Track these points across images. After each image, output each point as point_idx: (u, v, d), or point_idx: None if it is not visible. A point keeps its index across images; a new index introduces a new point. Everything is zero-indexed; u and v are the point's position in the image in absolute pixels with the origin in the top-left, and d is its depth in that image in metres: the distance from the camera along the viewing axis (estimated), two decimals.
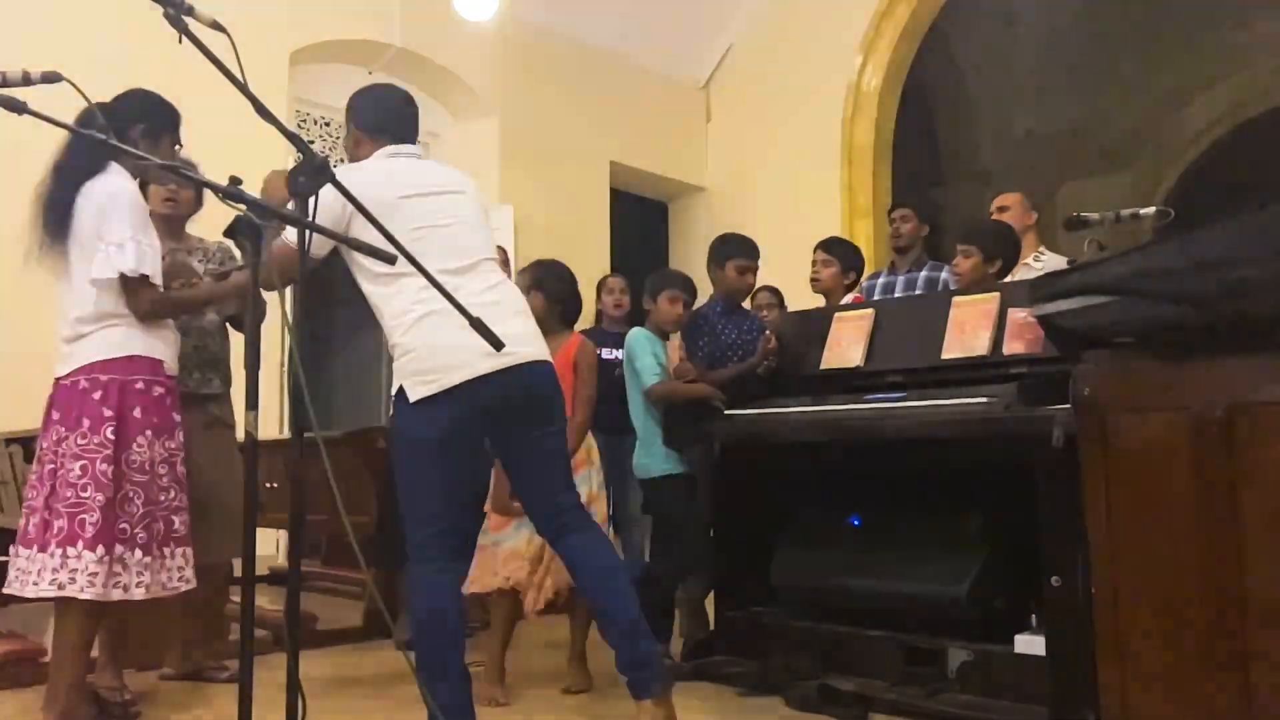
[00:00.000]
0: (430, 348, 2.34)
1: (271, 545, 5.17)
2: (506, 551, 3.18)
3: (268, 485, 4.37)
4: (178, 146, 2.98)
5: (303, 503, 2.12)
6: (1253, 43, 8.24)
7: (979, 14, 7.95)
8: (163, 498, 2.76)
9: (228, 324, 3.42)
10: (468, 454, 2.47)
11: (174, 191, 3.29)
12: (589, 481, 3.20)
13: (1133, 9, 7.94)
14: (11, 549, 2.73)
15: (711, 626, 3.63)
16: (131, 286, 2.72)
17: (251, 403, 1.86)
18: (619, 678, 2.51)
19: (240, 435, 1.99)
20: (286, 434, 2.41)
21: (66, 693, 2.65)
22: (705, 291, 3.99)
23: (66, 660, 2.67)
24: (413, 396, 2.35)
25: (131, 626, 3.09)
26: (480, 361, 2.30)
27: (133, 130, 2.80)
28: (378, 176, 2.48)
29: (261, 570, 4.04)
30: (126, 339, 2.74)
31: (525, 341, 2.44)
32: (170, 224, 3.34)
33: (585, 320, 4.54)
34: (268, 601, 4.02)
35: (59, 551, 2.61)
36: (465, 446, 2.44)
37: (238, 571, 2.70)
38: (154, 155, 2.80)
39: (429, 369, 2.34)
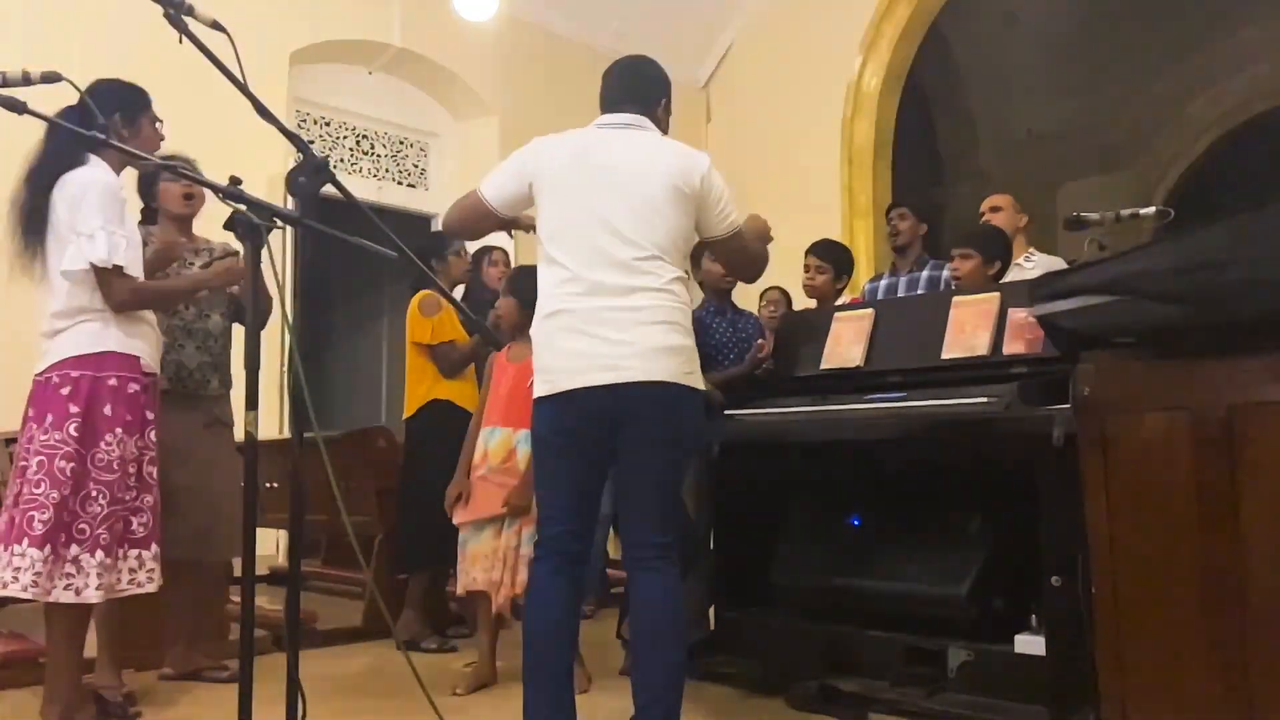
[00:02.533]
0: (550, 348, 2.33)
1: (271, 545, 5.17)
2: (471, 553, 3.21)
3: (268, 485, 4.37)
4: (158, 123, 2.91)
5: (303, 503, 2.12)
6: (1253, 43, 8.24)
7: (979, 14, 7.95)
8: (126, 497, 2.68)
9: (235, 325, 3.41)
10: (584, 459, 2.35)
11: (189, 187, 3.24)
12: None
13: (1133, 9, 7.94)
14: None
15: (712, 627, 3.63)
16: (105, 278, 2.64)
17: (251, 403, 1.85)
18: (618, 677, 2.49)
19: (240, 435, 1.99)
20: (287, 434, 2.41)
21: (66, 693, 2.64)
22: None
23: (58, 661, 2.65)
24: (534, 392, 2.36)
25: (131, 626, 3.07)
26: (590, 373, 2.26)
27: (112, 120, 2.71)
28: (550, 154, 2.43)
29: (261, 570, 4.03)
30: (100, 335, 2.67)
31: (638, 358, 2.27)
32: (184, 223, 3.33)
33: None
34: (267, 601, 4.01)
35: (2, 549, 2.55)
36: (579, 450, 2.34)
37: (238, 571, 2.69)
38: (135, 140, 2.78)
39: (547, 368, 2.34)
